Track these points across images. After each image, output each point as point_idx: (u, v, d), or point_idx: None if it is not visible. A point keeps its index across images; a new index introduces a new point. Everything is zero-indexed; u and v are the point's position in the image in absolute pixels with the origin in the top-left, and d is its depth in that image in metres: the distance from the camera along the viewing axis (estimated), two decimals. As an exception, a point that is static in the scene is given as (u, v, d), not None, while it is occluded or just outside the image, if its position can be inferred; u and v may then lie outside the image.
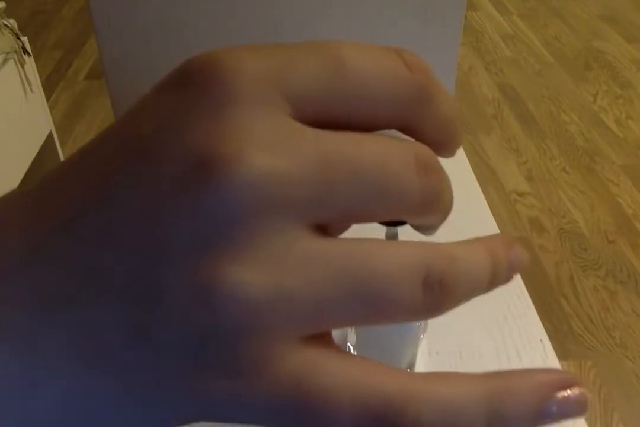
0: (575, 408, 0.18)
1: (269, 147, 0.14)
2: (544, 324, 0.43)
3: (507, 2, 3.21)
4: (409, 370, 0.37)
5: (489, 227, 0.51)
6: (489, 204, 0.53)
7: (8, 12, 1.74)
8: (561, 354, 1.44)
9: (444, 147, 0.18)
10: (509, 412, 0.17)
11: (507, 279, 0.19)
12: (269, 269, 0.14)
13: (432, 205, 0.17)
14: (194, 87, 0.15)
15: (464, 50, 2.76)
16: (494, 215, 0.52)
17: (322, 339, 0.16)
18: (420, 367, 0.40)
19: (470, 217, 0.52)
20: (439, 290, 0.16)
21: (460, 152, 0.60)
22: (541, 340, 0.41)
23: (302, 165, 0.15)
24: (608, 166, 2.04)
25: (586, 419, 0.37)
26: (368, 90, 0.16)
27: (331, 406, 0.15)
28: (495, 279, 0.18)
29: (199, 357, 0.15)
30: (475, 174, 0.57)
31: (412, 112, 0.17)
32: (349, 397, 0.15)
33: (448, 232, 0.50)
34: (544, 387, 0.18)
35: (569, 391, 0.18)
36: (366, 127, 0.17)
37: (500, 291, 0.47)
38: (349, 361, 0.16)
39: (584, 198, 1.91)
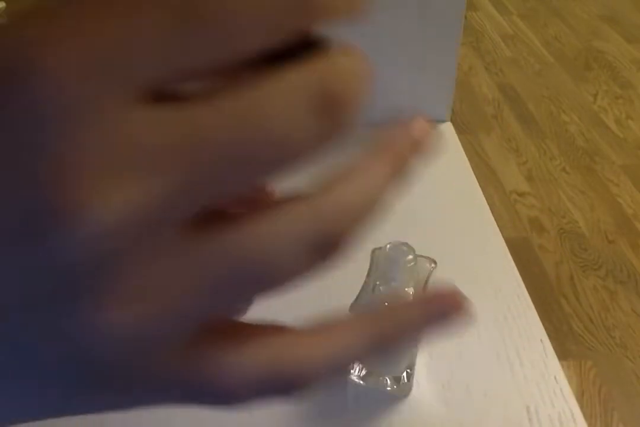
0: (457, 323, 0.19)
1: (106, 186, 0.13)
2: (544, 324, 0.42)
3: (507, 2, 3.21)
4: (408, 370, 0.37)
5: (489, 227, 0.51)
6: (489, 204, 0.53)
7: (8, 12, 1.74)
8: (561, 354, 1.44)
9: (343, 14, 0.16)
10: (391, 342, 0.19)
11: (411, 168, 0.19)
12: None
13: (332, 142, 0.16)
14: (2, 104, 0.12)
15: (464, 50, 2.76)
16: (494, 215, 0.52)
17: (217, 324, 0.17)
18: (420, 367, 0.40)
19: (470, 217, 0.52)
20: (333, 247, 0.16)
21: (460, 152, 0.60)
22: (541, 340, 0.41)
23: (153, 185, 0.13)
24: (608, 166, 2.04)
25: (586, 419, 0.37)
26: (233, 26, 0.13)
27: (228, 387, 0.16)
28: (397, 183, 0.18)
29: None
30: (475, 174, 0.57)
31: (295, 25, 0.14)
32: (244, 377, 0.16)
33: (448, 232, 0.50)
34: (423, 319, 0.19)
35: (452, 315, 0.19)
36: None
37: (500, 291, 0.47)
38: (241, 341, 0.17)
39: (584, 198, 1.91)
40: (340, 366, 0.18)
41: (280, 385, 0.17)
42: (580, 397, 1.33)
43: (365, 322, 0.19)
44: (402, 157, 0.18)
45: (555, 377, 0.39)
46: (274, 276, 0.16)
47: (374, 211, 0.17)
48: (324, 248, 0.16)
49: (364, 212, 0.17)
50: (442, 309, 0.19)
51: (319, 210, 0.16)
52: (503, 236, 0.50)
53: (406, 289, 0.36)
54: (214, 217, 0.15)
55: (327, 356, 0.17)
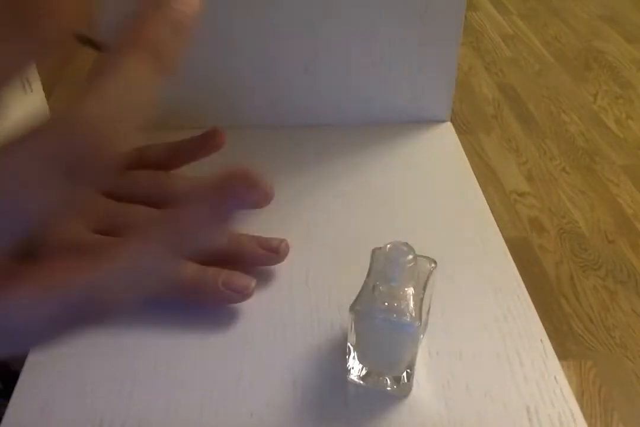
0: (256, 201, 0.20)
1: None
2: (544, 324, 0.43)
3: (507, 2, 3.21)
4: (408, 370, 0.37)
5: (489, 227, 0.51)
6: (489, 204, 0.53)
7: (8, 12, 1.74)
8: (561, 354, 1.44)
9: None
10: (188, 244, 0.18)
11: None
12: None
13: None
14: None
15: (464, 50, 2.76)
16: (494, 215, 0.52)
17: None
18: (420, 367, 0.40)
19: (470, 217, 0.52)
20: (91, 167, 0.15)
21: (460, 152, 0.60)
22: (541, 340, 0.41)
23: None
24: (608, 166, 2.04)
25: (586, 419, 0.37)
26: None
27: (19, 325, 0.17)
28: (164, 73, 0.16)
29: None
30: (475, 174, 0.57)
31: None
32: (30, 312, 0.17)
33: (448, 232, 0.50)
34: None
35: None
36: None
37: (500, 291, 0.47)
38: (22, 280, 0.17)
39: (584, 198, 1.91)
40: (143, 272, 0.18)
41: (71, 312, 0.17)
42: (580, 397, 1.33)
43: (160, 230, 0.18)
44: (162, 43, 0.16)
45: (555, 377, 0.39)
46: (25, 212, 0.15)
47: (136, 118, 0.16)
48: (78, 172, 0.15)
49: (120, 122, 0.15)
50: (238, 195, 0.18)
51: (63, 133, 0.15)
52: (503, 236, 0.50)
53: (406, 289, 0.36)
54: None
55: (117, 274, 0.17)
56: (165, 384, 0.38)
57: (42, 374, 0.39)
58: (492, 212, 0.52)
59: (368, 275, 0.37)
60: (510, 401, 0.38)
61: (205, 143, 0.50)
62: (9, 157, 0.15)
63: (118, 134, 0.15)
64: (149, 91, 0.16)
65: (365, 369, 0.39)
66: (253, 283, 0.42)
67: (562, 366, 0.39)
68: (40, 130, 0.15)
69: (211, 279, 0.41)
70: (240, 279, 0.42)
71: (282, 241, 0.46)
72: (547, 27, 2.96)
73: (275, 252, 0.45)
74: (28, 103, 1.79)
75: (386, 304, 0.35)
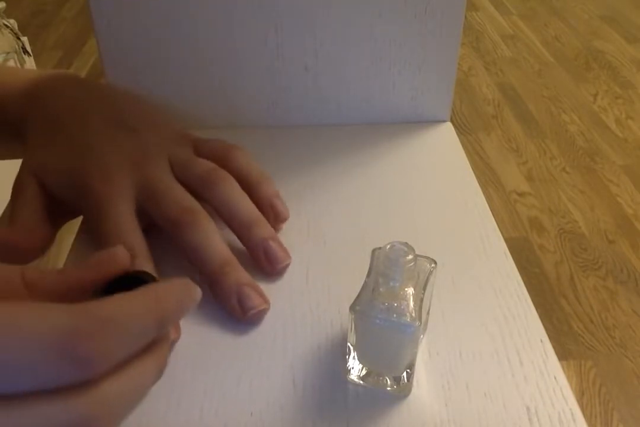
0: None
1: None
2: (544, 324, 0.42)
3: (507, 2, 3.21)
4: (408, 370, 0.37)
5: (489, 227, 0.51)
6: (489, 204, 0.53)
7: (8, 12, 1.74)
8: (561, 354, 1.44)
9: None
10: (170, 313, 0.24)
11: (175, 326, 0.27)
12: None
13: None
14: None
15: (464, 50, 2.76)
16: (494, 215, 0.52)
17: None
18: (420, 367, 0.40)
19: (470, 217, 0.52)
20: (84, 358, 0.20)
21: (460, 152, 0.60)
22: (541, 340, 0.41)
23: None
24: (608, 166, 2.04)
25: (586, 419, 0.37)
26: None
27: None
28: (163, 328, 0.23)
29: None
30: (475, 174, 0.57)
31: None
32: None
33: (448, 232, 0.50)
34: (189, 284, 0.26)
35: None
36: None
37: (500, 291, 0.47)
38: None
39: (584, 198, 1.91)
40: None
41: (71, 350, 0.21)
42: (580, 397, 1.33)
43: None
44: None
45: (555, 377, 0.39)
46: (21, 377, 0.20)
47: (139, 334, 0.23)
48: (78, 359, 0.21)
49: (129, 327, 0.23)
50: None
51: (84, 314, 0.22)
52: (503, 236, 0.50)
53: (406, 289, 0.36)
54: None
55: (121, 323, 0.23)
56: (165, 384, 0.38)
57: (42, 374, 0.39)
58: (492, 212, 0.52)
59: (368, 275, 0.37)
60: (510, 401, 0.38)
61: None
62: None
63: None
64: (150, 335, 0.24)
65: (365, 369, 0.39)
66: (265, 305, 0.41)
67: (562, 366, 0.39)
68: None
69: (229, 286, 0.41)
70: (254, 299, 0.41)
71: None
72: (547, 27, 2.96)
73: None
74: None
75: (386, 304, 0.35)
